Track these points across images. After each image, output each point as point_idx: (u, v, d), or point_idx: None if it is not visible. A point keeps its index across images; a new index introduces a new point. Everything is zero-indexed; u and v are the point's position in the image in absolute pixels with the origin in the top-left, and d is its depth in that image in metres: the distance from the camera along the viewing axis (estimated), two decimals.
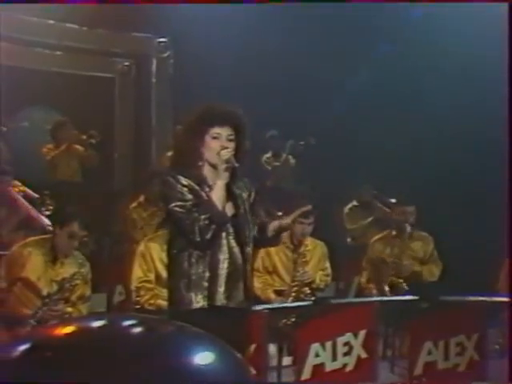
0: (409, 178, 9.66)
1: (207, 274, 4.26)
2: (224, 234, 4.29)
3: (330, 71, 10.33)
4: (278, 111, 10.40)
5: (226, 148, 4.26)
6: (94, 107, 10.83)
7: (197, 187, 4.29)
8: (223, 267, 4.28)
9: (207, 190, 4.29)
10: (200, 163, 4.32)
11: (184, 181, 4.27)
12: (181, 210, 4.23)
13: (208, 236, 4.19)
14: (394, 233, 8.05)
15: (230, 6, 9.97)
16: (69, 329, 1.98)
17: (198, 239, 4.18)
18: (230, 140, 4.29)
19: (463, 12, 9.63)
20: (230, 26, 10.34)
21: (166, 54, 11.54)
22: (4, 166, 8.42)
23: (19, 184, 8.04)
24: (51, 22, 10.66)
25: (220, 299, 4.26)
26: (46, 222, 7.26)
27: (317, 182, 10.23)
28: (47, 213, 7.66)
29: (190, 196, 4.26)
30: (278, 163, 10.67)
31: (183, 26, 10.59)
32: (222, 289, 4.26)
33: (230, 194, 4.37)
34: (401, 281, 7.75)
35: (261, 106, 10.04)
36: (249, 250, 4.37)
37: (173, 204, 4.25)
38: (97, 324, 2.02)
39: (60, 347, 1.90)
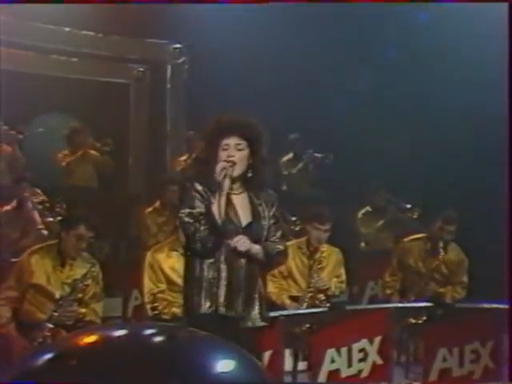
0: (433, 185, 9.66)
1: (215, 281, 4.32)
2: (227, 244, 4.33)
3: (342, 75, 10.39)
4: (294, 115, 10.43)
5: (231, 156, 4.31)
6: (109, 113, 10.84)
7: (209, 195, 4.33)
8: (223, 276, 4.32)
9: (216, 199, 4.32)
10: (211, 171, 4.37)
11: (199, 187, 4.31)
12: (187, 218, 4.27)
13: (209, 245, 4.25)
14: (428, 244, 7.78)
15: (245, 12, 9.98)
16: (92, 338, 2.00)
17: (199, 248, 4.25)
18: (239, 149, 4.33)
19: (463, 12, 9.65)
20: (246, 31, 10.35)
21: (180, 60, 11.55)
22: (22, 173, 8.54)
23: (38, 192, 8.12)
24: (67, 29, 10.72)
25: (220, 307, 4.31)
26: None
27: (331, 186, 10.24)
28: (58, 218, 7.77)
29: (199, 204, 4.30)
30: (294, 170, 10.65)
31: (198, 31, 10.60)
32: (221, 298, 4.30)
33: (250, 204, 4.42)
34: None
35: (277, 110, 10.16)
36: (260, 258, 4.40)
37: (182, 211, 4.31)
38: (119, 333, 2.04)
39: (84, 356, 1.91)
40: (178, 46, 11.52)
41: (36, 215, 7.81)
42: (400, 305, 7.08)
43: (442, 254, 7.60)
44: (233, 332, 4.01)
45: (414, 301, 7.45)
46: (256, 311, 4.37)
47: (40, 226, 7.69)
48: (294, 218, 9.06)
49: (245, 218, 4.41)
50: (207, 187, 4.33)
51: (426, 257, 7.69)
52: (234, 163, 4.31)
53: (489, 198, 8.81)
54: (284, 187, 10.54)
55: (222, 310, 4.28)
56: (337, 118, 10.42)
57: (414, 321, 7.26)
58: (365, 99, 10.60)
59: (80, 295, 6.22)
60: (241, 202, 4.43)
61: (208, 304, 4.27)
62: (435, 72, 10.13)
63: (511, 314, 6.35)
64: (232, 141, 4.31)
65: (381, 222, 9.73)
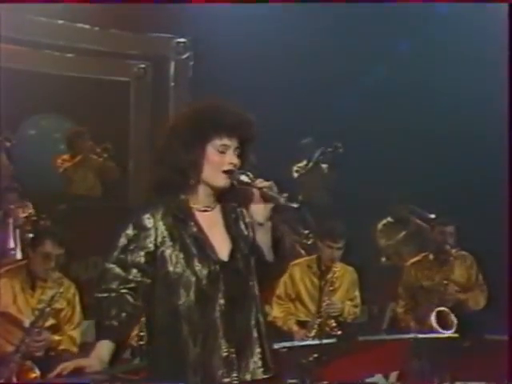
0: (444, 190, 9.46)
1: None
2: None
3: (355, 75, 10.30)
4: (306, 115, 10.17)
5: (233, 164, 3.37)
6: (108, 113, 10.44)
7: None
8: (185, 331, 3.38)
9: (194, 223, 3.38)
10: (192, 181, 3.39)
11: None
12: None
13: None
14: (431, 256, 7.56)
15: (252, 5, 9.72)
16: None
17: None
18: (238, 155, 3.40)
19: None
20: (256, 25, 10.06)
21: (185, 56, 11.20)
22: (9, 182, 8.25)
23: (26, 204, 7.86)
24: (61, 21, 10.32)
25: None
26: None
27: (349, 195, 9.89)
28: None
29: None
30: (304, 171, 10.41)
31: (204, 25, 10.29)
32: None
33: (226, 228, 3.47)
34: (447, 311, 7.21)
35: (288, 111, 10.01)
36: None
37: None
38: None
39: None
40: (182, 40, 11.17)
41: (10, 234, 7.44)
42: (421, 336, 6.45)
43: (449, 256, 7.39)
44: None
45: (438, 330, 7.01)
46: (256, 358, 3.37)
47: (12, 246, 7.31)
48: (306, 232, 8.85)
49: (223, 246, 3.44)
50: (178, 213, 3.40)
51: (433, 271, 7.46)
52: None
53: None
54: (300, 197, 10.05)
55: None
56: (350, 121, 10.15)
57: (438, 352, 6.57)
58: (378, 101, 10.37)
59: (53, 321, 5.87)
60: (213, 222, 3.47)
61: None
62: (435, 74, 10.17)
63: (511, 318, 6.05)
64: (233, 143, 3.39)
65: (402, 234, 9.35)
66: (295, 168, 10.41)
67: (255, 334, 3.35)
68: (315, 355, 6.20)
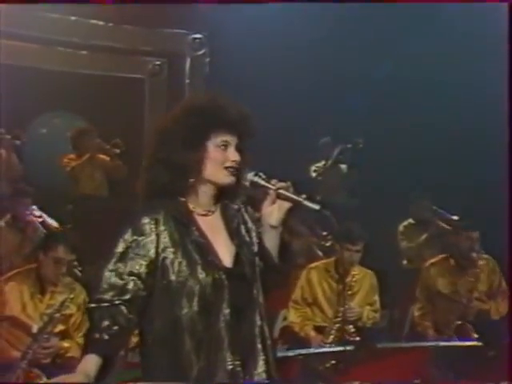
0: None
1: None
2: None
3: (369, 70, 10.25)
4: (323, 114, 10.07)
5: (235, 161, 3.22)
6: (122, 112, 10.33)
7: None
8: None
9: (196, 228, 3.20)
10: (192, 181, 3.22)
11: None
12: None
13: None
14: (452, 261, 7.22)
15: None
16: None
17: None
18: (239, 151, 3.25)
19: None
20: (274, 20, 10.00)
21: (201, 52, 11.08)
22: (22, 186, 8.17)
23: (36, 209, 7.74)
24: (73, 18, 10.21)
25: None
26: None
27: (369, 195, 9.79)
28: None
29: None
30: (323, 171, 10.29)
31: (220, 20, 10.17)
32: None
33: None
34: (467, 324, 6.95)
35: (306, 110, 10.00)
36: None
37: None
38: None
39: None
40: (198, 36, 11.03)
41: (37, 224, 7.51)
42: (443, 343, 6.32)
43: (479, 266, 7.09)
44: None
45: (460, 337, 6.74)
46: (260, 370, 3.21)
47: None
48: (324, 233, 8.64)
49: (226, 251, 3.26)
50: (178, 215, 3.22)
51: (453, 277, 7.15)
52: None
53: None
54: (318, 197, 9.76)
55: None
56: (370, 120, 10.08)
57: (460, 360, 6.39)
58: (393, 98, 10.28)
59: (62, 327, 5.75)
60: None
61: None
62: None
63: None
64: (233, 139, 3.24)
65: (424, 237, 9.05)
66: (313, 168, 10.28)
67: (259, 344, 3.20)
68: (332, 362, 6.17)
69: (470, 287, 7.09)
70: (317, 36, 10.09)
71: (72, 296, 5.68)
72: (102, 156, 9.64)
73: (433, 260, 7.37)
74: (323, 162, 10.30)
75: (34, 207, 7.67)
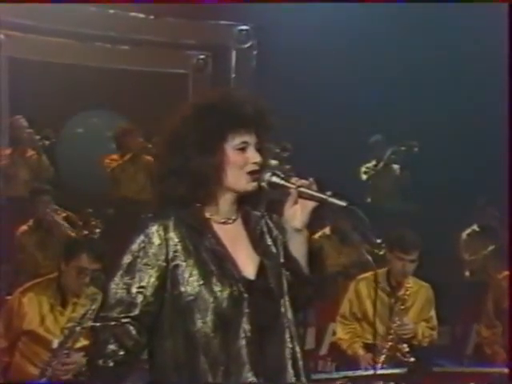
0: None
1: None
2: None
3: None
4: (376, 114, 9.96)
5: (256, 163, 2.98)
6: (164, 109, 9.67)
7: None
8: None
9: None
10: (211, 190, 2.97)
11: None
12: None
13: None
14: None
15: None
16: None
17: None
18: (258, 151, 3.00)
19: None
20: (319, 16, 9.90)
21: (247, 45, 10.98)
22: (42, 185, 8.14)
23: (57, 208, 7.73)
24: (112, 11, 10.12)
25: None
26: None
27: (426, 200, 9.53)
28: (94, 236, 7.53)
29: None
30: (374, 172, 10.09)
31: (268, 10, 10.00)
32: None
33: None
34: None
35: (355, 105, 9.81)
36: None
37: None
38: None
39: None
40: (244, 27, 10.93)
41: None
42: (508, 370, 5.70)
43: None
44: None
45: None
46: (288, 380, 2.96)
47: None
48: (379, 240, 8.15)
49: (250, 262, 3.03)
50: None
51: None
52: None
53: None
54: (368, 199, 9.86)
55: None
56: (423, 117, 9.96)
57: None
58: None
59: (85, 342, 5.24)
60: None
61: None
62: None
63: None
64: (252, 138, 3.00)
65: (490, 248, 8.68)
66: (363, 169, 10.14)
67: (290, 368, 2.95)
68: None
69: None
70: (369, 32, 10.03)
71: (94, 307, 5.33)
72: (145, 156, 9.29)
73: (506, 273, 6.80)
74: (374, 163, 10.10)
75: (55, 206, 7.67)
